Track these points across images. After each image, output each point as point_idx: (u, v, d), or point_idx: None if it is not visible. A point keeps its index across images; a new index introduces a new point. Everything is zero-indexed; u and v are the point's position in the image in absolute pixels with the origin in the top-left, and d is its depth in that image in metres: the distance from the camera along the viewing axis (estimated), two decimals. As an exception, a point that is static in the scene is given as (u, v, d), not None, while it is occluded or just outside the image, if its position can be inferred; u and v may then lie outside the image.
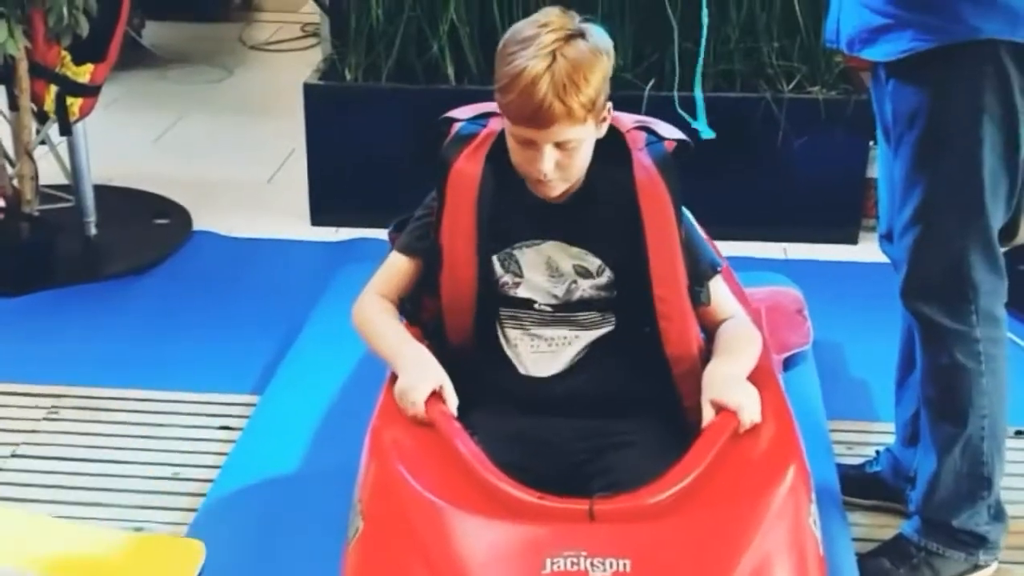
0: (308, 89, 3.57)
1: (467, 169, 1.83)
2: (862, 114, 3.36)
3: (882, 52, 1.92)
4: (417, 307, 1.94)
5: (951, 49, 1.85)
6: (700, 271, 1.89)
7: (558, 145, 1.73)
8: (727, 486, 1.62)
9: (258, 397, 2.60)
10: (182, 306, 3.14)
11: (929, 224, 1.94)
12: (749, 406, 1.73)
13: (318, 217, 3.62)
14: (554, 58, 1.70)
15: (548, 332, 1.87)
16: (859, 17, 1.94)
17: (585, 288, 1.85)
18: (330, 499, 2.00)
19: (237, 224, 3.61)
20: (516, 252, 1.86)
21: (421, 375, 1.78)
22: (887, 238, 2.13)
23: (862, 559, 2.07)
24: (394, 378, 1.82)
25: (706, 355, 1.88)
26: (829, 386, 2.55)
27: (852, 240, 3.48)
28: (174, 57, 5.16)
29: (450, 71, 3.47)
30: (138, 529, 2.22)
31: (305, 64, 4.06)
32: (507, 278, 1.86)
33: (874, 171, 3.47)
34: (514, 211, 1.85)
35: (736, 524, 1.57)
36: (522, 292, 1.86)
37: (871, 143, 3.44)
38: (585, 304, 1.86)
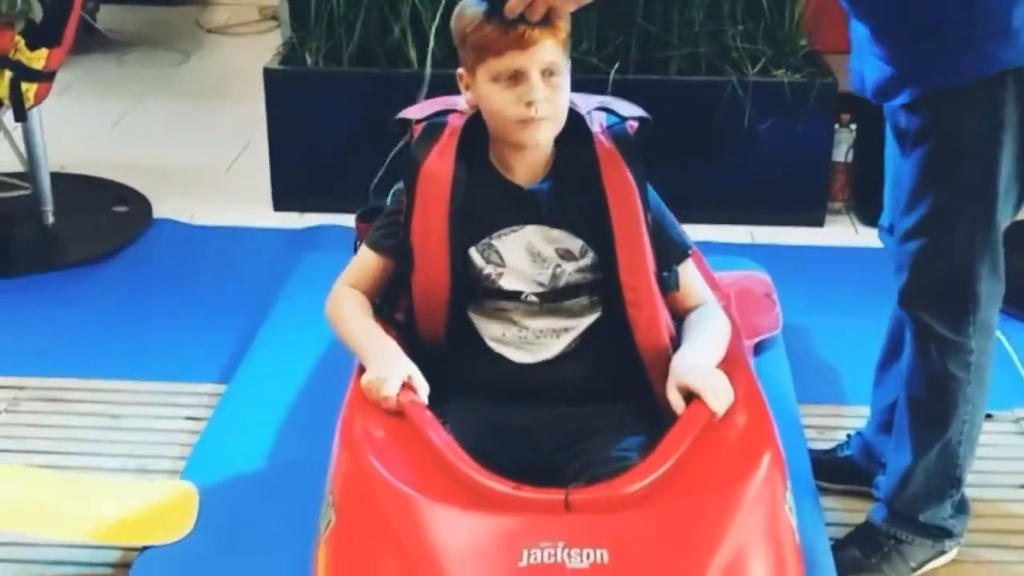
0: (268, 73, 3.53)
1: (438, 168, 1.80)
2: (827, 97, 3.38)
3: (907, 96, 1.87)
4: (393, 307, 1.91)
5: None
6: (669, 254, 1.88)
7: (544, 75, 1.73)
8: (703, 474, 1.60)
9: (224, 386, 2.56)
10: (144, 295, 3.09)
11: (937, 235, 1.90)
12: (717, 389, 1.71)
13: (280, 203, 3.58)
14: None
15: (537, 323, 1.84)
16: (879, 70, 1.89)
17: (570, 272, 1.83)
18: (300, 491, 1.98)
19: (198, 211, 3.56)
20: (495, 241, 1.83)
21: (389, 367, 1.75)
22: (888, 230, 2.11)
23: (834, 549, 2.06)
24: (362, 370, 1.79)
25: (677, 343, 1.87)
26: (798, 370, 2.53)
27: (819, 223, 3.48)
28: (130, 41, 5.09)
29: (412, 55, 3.44)
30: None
31: (264, 48, 4.00)
32: (489, 269, 1.83)
33: (839, 154, 3.50)
34: (490, 201, 1.83)
35: (713, 513, 1.55)
36: (507, 283, 1.83)
37: (836, 126, 3.45)
38: (573, 290, 1.84)
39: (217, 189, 3.75)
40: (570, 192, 1.83)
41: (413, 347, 1.86)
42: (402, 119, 1.89)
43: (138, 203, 3.58)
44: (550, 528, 1.51)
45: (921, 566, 2.11)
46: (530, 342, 1.84)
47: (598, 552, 1.48)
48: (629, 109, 1.86)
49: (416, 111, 1.90)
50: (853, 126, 3.44)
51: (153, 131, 4.23)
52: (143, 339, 2.87)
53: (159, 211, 3.54)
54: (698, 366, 1.77)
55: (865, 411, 2.37)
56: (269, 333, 2.66)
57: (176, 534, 2.01)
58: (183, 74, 4.83)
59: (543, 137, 1.78)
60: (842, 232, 3.44)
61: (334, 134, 3.52)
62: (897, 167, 2.02)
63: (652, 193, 1.86)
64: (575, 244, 1.83)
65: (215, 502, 2.10)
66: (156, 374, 2.71)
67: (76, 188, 3.63)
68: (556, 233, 1.83)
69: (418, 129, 1.86)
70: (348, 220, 3.15)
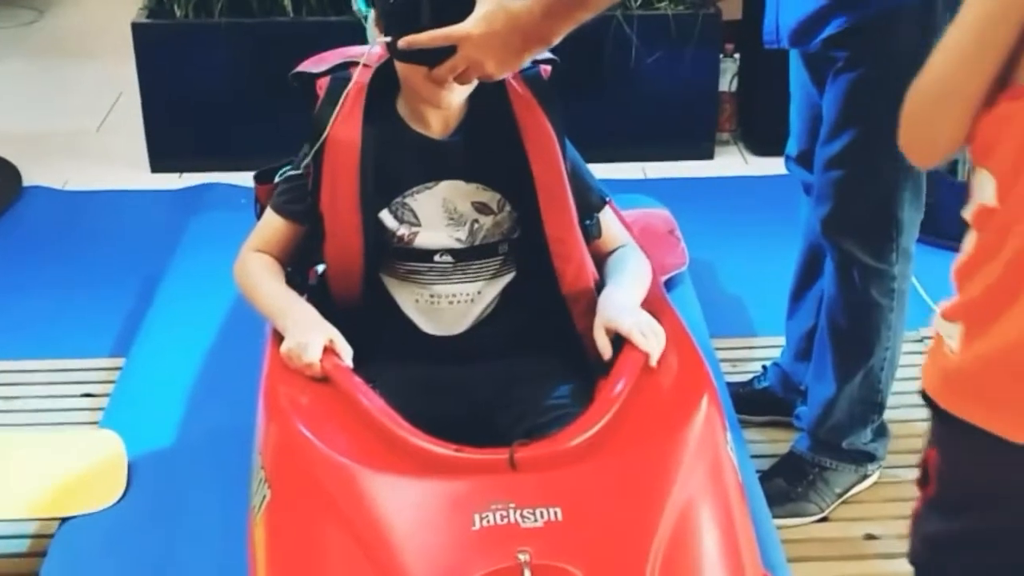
0: (137, 28, 3.38)
1: (346, 134, 1.72)
2: (712, 28, 3.37)
3: (836, 27, 1.84)
4: (305, 276, 1.84)
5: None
6: (589, 202, 1.84)
7: None
8: (646, 421, 1.58)
9: (121, 360, 2.45)
10: (21, 269, 2.95)
11: (861, 163, 1.90)
12: (645, 330, 1.68)
13: (158, 164, 3.45)
14: None
15: (450, 289, 1.78)
16: (802, 8, 1.86)
17: (488, 227, 1.77)
18: (218, 464, 1.92)
19: (71, 176, 3.41)
20: (409, 200, 1.76)
21: (309, 332, 1.68)
22: (797, 160, 2.10)
23: (760, 480, 2.08)
24: (279, 336, 1.72)
25: (600, 288, 1.84)
26: (705, 304, 2.54)
27: (708, 155, 3.49)
28: (-24, 0, 4.84)
29: (287, 2, 3.32)
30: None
31: (122, 1, 3.82)
32: (403, 230, 1.76)
33: (724, 84, 3.50)
34: (401, 158, 1.75)
35: (662, 460, 1.53)
36: (421, 242, 1.77)
37: (721, 56, 3.45)
38: (489, 249, 1.78)
39: (89, 152, 3.59)
40: (485, 143, 1.76)
41: (329, 312, 1.79)
42: (300, 73, 1.81)
43: (4, 172, 3.41)
44: (499, 489, 1.47)
45: (846, 491, 2.15)
46: (443, 308, 1.79)
47: (551, 510, 1.44)
48: None
49: (315, 64, 1.81)
50: (737, 55, 3.44)
51: (11, 94, 4.03)
52: (26, 316, 2.74)
53: (29, 179, 3.38)
54: (624, 308, 1.74)
55: (776, 341, 2.38)
56: (165, 299, 2.56)
57: (107, 499, 1.90)
58: (37, 32, 4.61)
59: (456, 100, 1.72)
60: (732, 163, 3.46)
61: (210, 89, 3.40)
62: (808, 97, 2.01)
63: (568, 144, 1.82)
64: (492, 197, 1.77)
65: (132, 479, 2.01)
66: (45, 352, 2.60)
67: (-66, 160, 3.45)
68: (471, 187, 1.77)
69: (321, 86, 1.77)
70: (232, 178, 3.07)
